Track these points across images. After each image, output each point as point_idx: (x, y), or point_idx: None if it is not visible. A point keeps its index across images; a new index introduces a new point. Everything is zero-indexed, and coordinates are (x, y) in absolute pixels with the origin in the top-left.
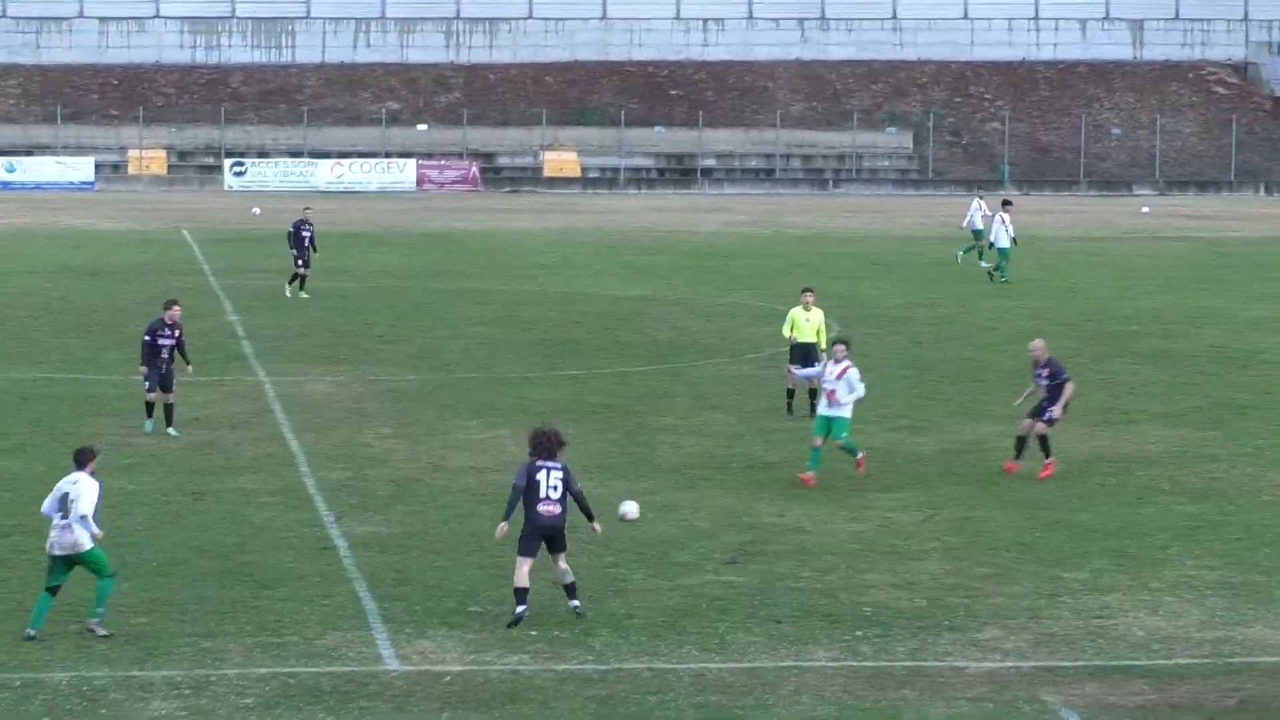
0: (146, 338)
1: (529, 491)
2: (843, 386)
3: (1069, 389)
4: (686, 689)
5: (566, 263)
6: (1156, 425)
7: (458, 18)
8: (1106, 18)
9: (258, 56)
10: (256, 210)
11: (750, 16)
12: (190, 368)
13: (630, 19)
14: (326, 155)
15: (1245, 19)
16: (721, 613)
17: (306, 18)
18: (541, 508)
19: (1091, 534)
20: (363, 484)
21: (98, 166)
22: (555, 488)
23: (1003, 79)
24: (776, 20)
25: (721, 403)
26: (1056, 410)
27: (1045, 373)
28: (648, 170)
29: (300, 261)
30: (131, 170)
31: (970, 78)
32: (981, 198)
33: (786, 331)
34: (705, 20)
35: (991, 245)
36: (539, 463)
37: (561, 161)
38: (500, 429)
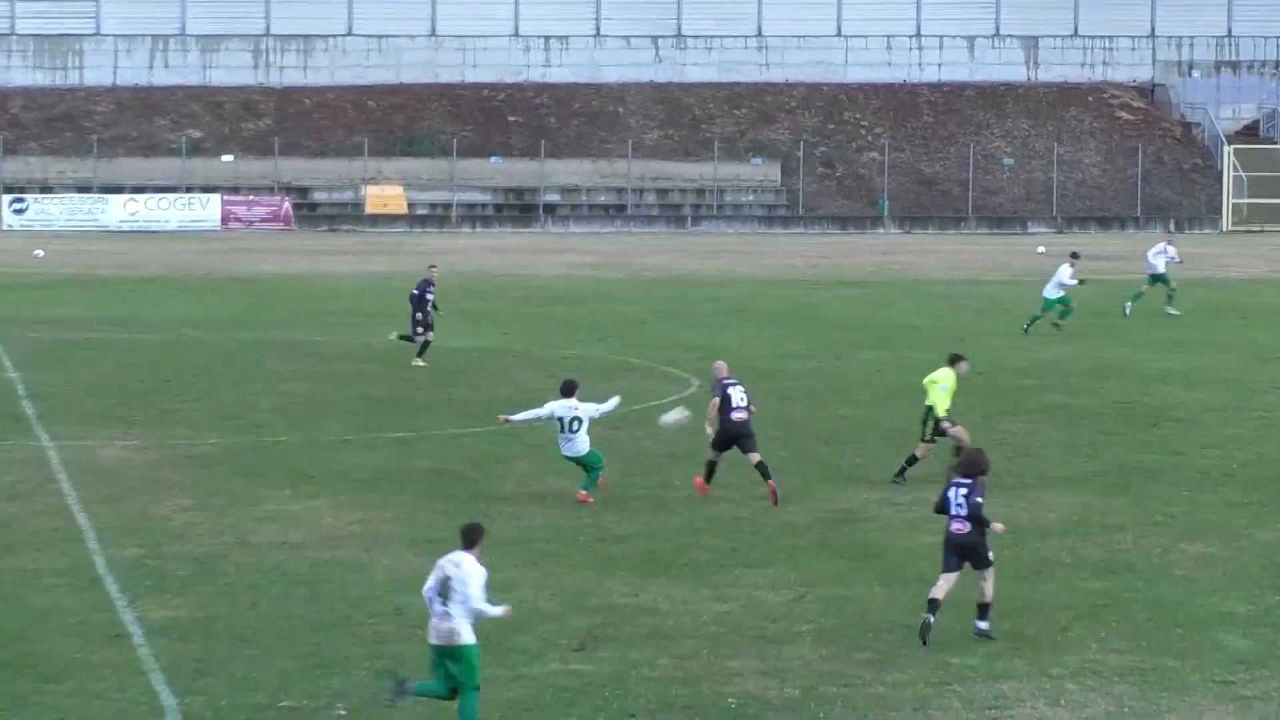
0: None
1: (944, 509)
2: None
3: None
4: None
5: (391, 311)
6: (1055, 491)
7: (267, 34)
8: (997, 34)
9: (40, 78)
10: (40, 253)
11: (598, 34)
12: None
13: (463, 36)
14: (119, 190)
15: (1152, 35)
16: (569, 705)
17: (96, 34)
18: (952, 525)
19: None
20: (160, 562)
21: None
22: (960, 505)
23: (881, 103)
24: (627, 38)
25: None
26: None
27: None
28: (483, 206)
29: (421, 327)
30: None
31: (845, 102)
32: (1170, 240)
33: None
34: (547, 38)
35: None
36: (956, 479)
37: (385, 197)
38: (316, 499)
